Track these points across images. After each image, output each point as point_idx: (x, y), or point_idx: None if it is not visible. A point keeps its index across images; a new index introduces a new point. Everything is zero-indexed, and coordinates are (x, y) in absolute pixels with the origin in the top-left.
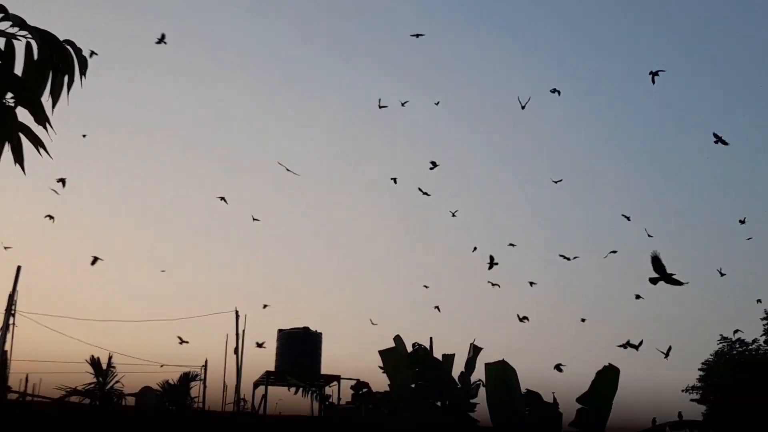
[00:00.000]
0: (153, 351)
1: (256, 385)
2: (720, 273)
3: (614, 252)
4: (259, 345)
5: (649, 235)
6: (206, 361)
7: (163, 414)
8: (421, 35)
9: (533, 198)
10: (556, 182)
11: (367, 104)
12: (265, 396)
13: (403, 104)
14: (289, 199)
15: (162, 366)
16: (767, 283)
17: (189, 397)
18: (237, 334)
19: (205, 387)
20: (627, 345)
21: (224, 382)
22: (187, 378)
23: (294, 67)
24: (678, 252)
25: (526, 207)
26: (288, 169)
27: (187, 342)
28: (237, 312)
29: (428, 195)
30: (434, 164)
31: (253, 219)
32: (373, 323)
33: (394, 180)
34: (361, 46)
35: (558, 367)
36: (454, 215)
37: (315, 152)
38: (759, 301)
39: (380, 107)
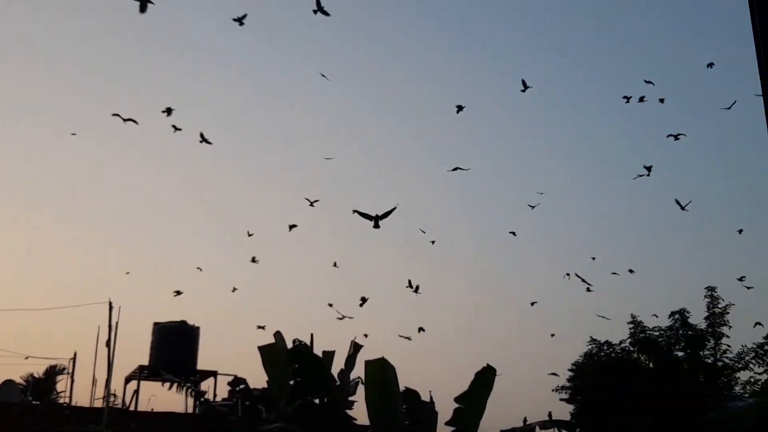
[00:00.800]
0: (16, 342)
1: (128, 380)
2: (566, 273)
3: (513, 234)
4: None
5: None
6: (75, 354)
7: (26, 409)
8: None
9: (414, 191)
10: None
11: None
12: (137, 391)
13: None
14: (172, 188)
15: (27, 358)
16: (637, 289)
17: (55, 392)
18: (110, 326)
19: (73, 381)
20: None
21: (94, 376)
22: (53, 371)
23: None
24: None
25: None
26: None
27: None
28: (111, 303)
29: (311, 204)
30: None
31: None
32: (260, 327)
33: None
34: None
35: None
36: (312, 204)
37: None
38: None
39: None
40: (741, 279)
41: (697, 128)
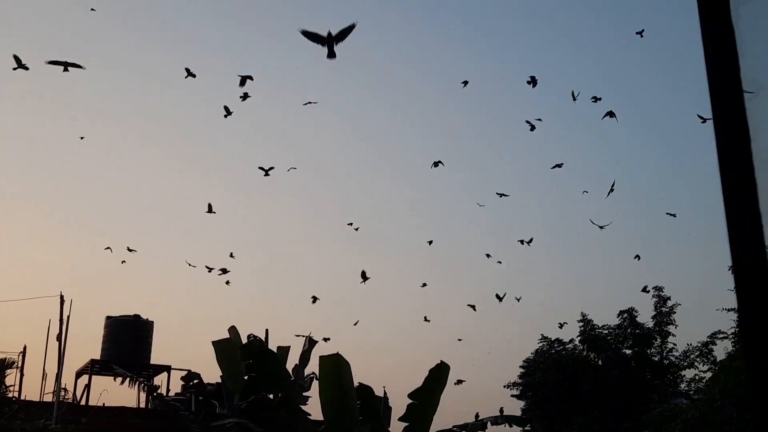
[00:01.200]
0: None
1: (79, 374)
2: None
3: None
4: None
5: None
6: (25, 348)
7: None
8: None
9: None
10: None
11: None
12: (88, 386)
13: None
14: (125, 179)
15: None
16: (587, 288)
17: (4, 386)
18: (61, 319)
19: (22, 375)
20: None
21: (44, 370)
22: (2, 365)
23: None
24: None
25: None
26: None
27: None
28: (62, 296)
29: (267, 173)
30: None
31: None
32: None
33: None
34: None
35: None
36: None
37: (154, 131)
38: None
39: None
40: (645, 290)
41: (647, 134)
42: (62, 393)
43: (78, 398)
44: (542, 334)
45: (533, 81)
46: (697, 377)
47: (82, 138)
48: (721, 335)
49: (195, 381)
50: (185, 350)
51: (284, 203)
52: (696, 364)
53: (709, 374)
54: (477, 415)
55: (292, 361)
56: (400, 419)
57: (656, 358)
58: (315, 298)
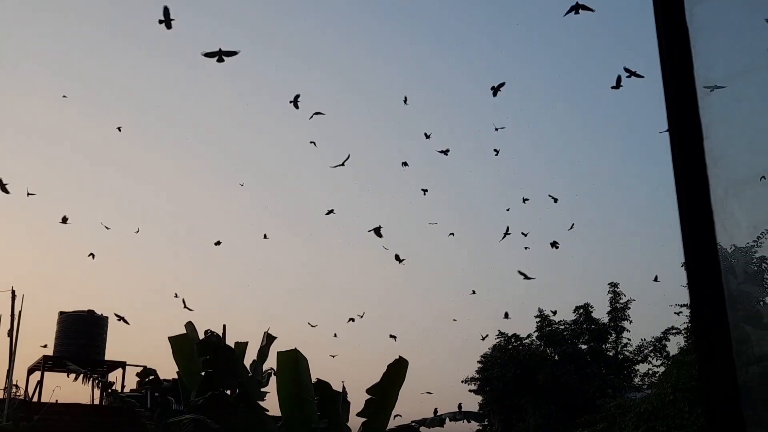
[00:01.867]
0: None
1: (31, 370)
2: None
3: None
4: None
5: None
6: None
7: None
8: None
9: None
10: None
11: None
12: (40, 382)
13: None
14: (81, 170)
15: None
16: (546, 286)
17: None
18: (12, 315)
19: None
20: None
21: None
22: None
23: None
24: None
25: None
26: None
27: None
28: (13, 291)
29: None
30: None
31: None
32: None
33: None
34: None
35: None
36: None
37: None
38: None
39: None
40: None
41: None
42: (14, 390)
43: (30, 395)
44: (499, 330)
45: (497, 89)
46: (650, 372)
47: (64, 96)
48: (674, 331)
49: (151, 377)
50: (141, 346)
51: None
52: (649, 358)
53: (662, 369)
54: (435, 411)
55: (250, 357)
56: (358, 414)
57: (611, 353)
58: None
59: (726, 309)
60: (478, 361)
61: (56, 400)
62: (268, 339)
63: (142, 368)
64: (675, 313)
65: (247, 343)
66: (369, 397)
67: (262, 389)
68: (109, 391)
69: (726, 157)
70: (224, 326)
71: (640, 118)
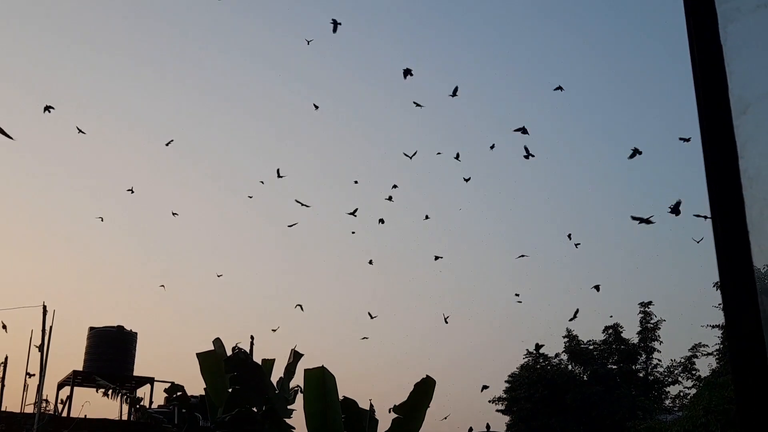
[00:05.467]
0: None
1: (61, 385)
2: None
3: (439, 257)
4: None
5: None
6: (6, 358)
7: None
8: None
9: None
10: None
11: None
12: (70, 397)
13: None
14: (103, 191)
15: None
16: (573, 303)
17: None
18: (43, 330)
19: (3, 386)
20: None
21: (26, 381)
22: None
23: None
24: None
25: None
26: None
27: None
28: (45, 307)
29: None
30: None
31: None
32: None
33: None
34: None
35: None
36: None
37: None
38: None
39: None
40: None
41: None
42: (43, 404)
43: (59, 410)
44: (527, 349)
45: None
46: (681, 393)
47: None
48: (703, 348)
49: (178, 393)
50: (169, 362)
51: (274, 215)
52: (680, 379)
53: (693, 390)
54: (470, 430)
55: (277, 374)
56: None
57: (641, 374)
58: (300, 306)
59: (762, 330)
60: (505, 381)
61: (85, 416)
62: (296, 356)
63: (169, 384)
64: (710, 326)
65: (274, 360)
66: (395, 416)
67: (289, 406)
68: (137, 406)
69: (761, 177)
70: (252, 338)
71: (670, 136)
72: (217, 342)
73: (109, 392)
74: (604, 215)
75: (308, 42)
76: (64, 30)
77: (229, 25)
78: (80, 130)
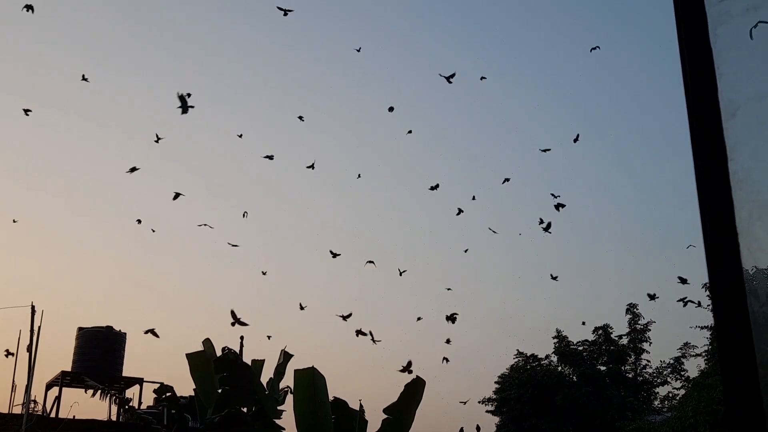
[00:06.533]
0: None
1: (49, 386)
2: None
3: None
4: None
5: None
6: None
7: None
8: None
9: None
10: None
11: None
12: (58, 398)
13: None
14: (98, 190)
15: None
16: (562, 304)
17: None
18: (31, 330)
19: None
20: None
21: (14, 381)
22: None
23: None
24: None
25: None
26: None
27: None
28: (33, 307)
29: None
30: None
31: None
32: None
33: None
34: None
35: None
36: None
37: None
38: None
39: None
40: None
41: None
42: (32, 405)
43: (48, 410)
44: (517, 350)
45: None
46: (670, 394)
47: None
48: (691, 349)
49: (168, 394)
50: (158, 363)
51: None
52: (669, 380)
53: (682, 391)
54: (461, 430)
55: (267, 374)
56: None
57: (630, 375)
58: (301, 306)
59: (751, 331)
60: (495, 382)
61: (74, 416)
62: (285, 357)
63: (159, 385)
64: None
65: (263, 360)
66: (385, 416)
67: (279, 407)
68: (126, 407)
69: (751, 180)
70: (241, 338)
71: (664, 139)
72: (207, 342)
73: (98, 393)
74: (598, 215)
75: (285, 13)
76: (56, 34)
77: (226, 31)
78: (26, 112)
